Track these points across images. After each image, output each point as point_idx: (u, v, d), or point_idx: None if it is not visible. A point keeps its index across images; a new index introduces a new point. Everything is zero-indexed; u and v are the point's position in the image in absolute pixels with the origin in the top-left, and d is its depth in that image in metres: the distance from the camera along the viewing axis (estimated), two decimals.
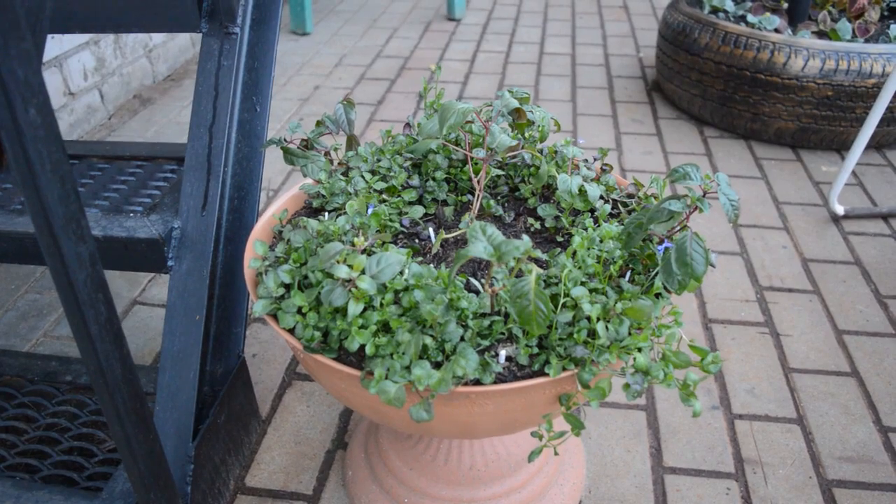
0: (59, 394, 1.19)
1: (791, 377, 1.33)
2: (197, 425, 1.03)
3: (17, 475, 1.04)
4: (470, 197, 1.02)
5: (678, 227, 0.78)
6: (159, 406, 1.01)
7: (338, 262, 0.70)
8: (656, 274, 0.76)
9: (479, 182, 0.92)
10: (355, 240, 0.71)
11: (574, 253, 0.78)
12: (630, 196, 1.01)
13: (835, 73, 2.01)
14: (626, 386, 0.69)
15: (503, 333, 0.75)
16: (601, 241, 0.83)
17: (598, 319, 0.69)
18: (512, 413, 0.75)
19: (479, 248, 0.62)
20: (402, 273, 0.75)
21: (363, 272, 0.71)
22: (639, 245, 0.79)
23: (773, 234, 1.78)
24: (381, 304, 0.72)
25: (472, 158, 0.92)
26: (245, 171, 1.20)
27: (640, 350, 0.70)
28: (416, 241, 0.96)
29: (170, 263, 1.04)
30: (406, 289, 0.74)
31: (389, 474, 1.08)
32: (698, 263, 0.71)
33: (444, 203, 1.03)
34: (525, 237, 0.67)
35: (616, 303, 0.71)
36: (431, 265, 0.75)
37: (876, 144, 2.19)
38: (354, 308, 0.70)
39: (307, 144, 1.11)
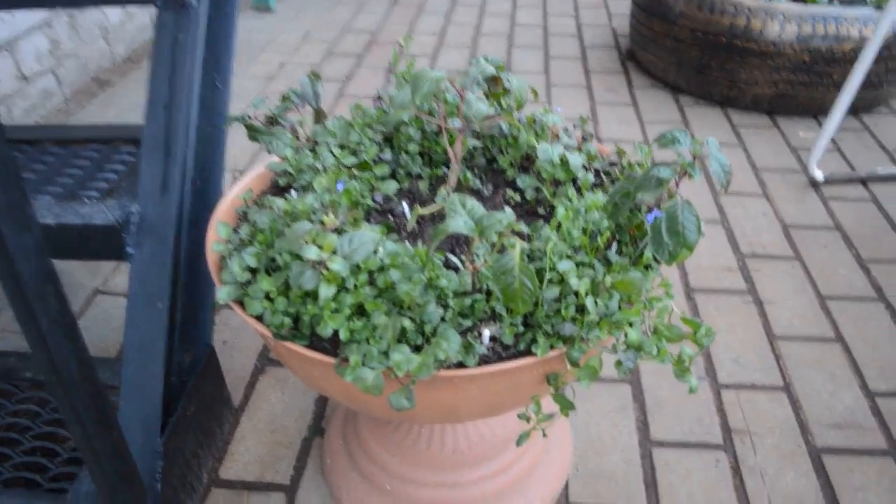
0: (19, 391, 1.12)
1: (776, 345, 1.31)
2: (165, 418, 0.98)
3: None
4: (445, 170, 0.97)
5: (667, 195, 0.74)
6: (124, 400, 0.95)
7: (307, 242, 0.65)
8: (646, 245, 0.72)
9: (455, 154, 0.87)
10: (325, 218, 0.66)
11: (559, 225, 0.74)
12: (612, 164, 0.97)
13: (812, 38, 1.98)
14: (618, 363, 0.65)
15: (486, 312, 0.71)
16: (586, 212, 0.79)
17: (587, 294, 0.65)
18: (497, 395, 0.71)
19: (459, 223, 0.58)
20: (376, 252, 0.70)
21: (334, 252, 0.66)
22: (625, 215, 0.75)
23: (752, 202, 1.76)
24: (355, 286, 0.68)
25: (447, 129, 0.87)
26: (207, 151, 1.14)
27: (631, 325, 0.66)
28: (390, 217, 0.91)
29: (129, 250, 0.98)
30: (381, 269, 0.69)
31: (369, 461, 1.04)
32: (691, 232, 0.67)
33: (419, 177, 0.98)
34: (507, 209, 0.62)
35: (605, 276, 0.67)
36: (407, 242, 0.71)
37: (852, 109, 2.18)
38: (326, 291, 0.65)
39: (272, 120, 1.05)
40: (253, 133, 1.01)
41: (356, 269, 0.69)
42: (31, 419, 1.07)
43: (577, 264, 0.71)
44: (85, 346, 0.72)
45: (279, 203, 0.82)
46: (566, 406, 0.68)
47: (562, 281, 0.68)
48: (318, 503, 1.05)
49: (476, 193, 0.94)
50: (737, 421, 1.16)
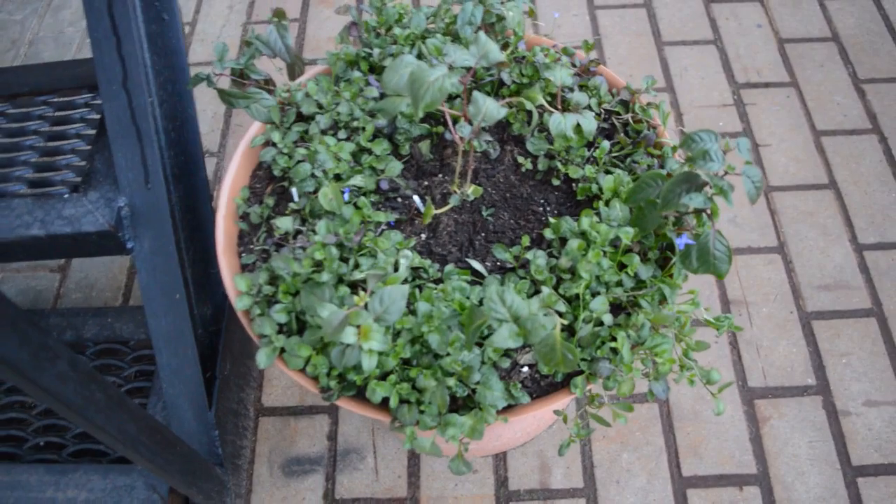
0: None
1: (772, 198, 1.34)
2: (205, 374, 1.02)
3: (45, 457, 1.05)
4: (445, 132, 0.90)
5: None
6: (166, 384, 1.00)
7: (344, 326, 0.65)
8: (673, 264, 0.72)
9: (463, 167, 0.80)
10: (356, 298, 0.65)
11: (587, 246, 0.72)
12: (624, 103, 0.90)
13: None
14: (650, 394, 0.70)
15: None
16: (608, 204, 0.77)
17: (623, 345, 0.67)
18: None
19: (502, 336, 0.57)
20: (409, 308, 0.69)
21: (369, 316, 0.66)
22: (653, 225, 0.73)
23: (746, 10, 1.64)
24: (394, 349, 0.69)
25: (455, 131, 0.78)
26: (171, 95, 1.03)
27: (661, 357, 0.69)
28: (399, 200, 0.87)
29: (129, 245, 0.95)
30: (418, 325, 0.69)
31: None
32: (721, 262, 0.67)
33: (419, 138, 0.91)
34: (545, 292, 0.61)
35: (639, 316, 0.69)
36: (441, 304, 0.70)
37: None
38: (369, 363, 0.66)
39: (242, 75, 0.95)
40: (227, 98, 0.92)
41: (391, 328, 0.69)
42: None
43: (605, 283, 0.72)
44: (136, 407, 0.75)
45: (287, 226, 0.79)
46: (603, 423, 0.73)
47: (595, 318, 0.69)
48: (362, 423, 1.15)
49: (484, 156, 0.89)
50: (734, 291, 1.23)
